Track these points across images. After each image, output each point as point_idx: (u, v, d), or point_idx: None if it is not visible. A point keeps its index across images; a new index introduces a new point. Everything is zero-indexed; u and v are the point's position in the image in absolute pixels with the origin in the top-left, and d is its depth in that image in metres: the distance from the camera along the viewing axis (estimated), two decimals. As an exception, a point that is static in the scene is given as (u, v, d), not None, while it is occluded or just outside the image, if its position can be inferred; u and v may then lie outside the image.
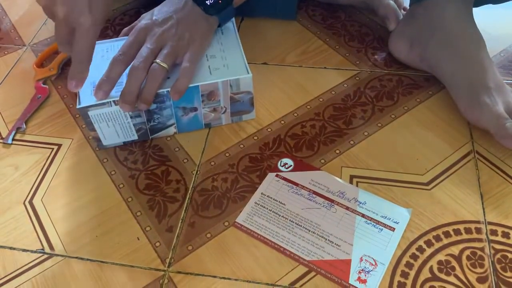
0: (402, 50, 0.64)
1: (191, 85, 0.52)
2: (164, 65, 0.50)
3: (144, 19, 0.54)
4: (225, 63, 0.55)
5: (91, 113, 0.52)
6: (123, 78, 0.51)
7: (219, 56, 0.56)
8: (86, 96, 0.52)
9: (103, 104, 0.52)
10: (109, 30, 0.74)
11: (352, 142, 0.57)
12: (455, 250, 0.47)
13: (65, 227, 0.51)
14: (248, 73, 0.54)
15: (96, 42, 0.50)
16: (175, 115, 0.56)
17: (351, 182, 0.53)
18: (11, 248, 0.50)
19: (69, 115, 0.63)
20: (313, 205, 0.51)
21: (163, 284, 0.46)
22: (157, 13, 0.54)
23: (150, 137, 0.58)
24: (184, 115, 0.56)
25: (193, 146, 0.58)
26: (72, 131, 0.61)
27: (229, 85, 0.54)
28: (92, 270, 0.48)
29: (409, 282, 0.45)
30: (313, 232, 0.49)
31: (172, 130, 0.58)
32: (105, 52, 0.57)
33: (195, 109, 0.56)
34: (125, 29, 0.57)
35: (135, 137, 0.57)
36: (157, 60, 0.50)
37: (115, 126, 0.55)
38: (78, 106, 0.51)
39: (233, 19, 0.60)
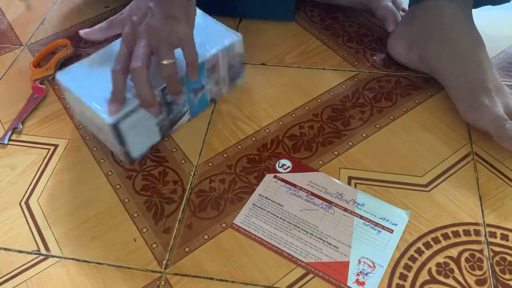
0: (401, 51, 0.64)
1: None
2: (170, 60, 0.49)
3: (127, 26, 0.51)
4: (212, 37, 0.56)
5: (121, 125, 0.51)
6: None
7: (203, 34, 0.55)
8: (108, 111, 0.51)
9: (131, 111, 0.51)
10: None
11: (350, 143, 0.56)
12: (453, 252, 0.47)
13: (61, 228, 0.51)
14: (237, 36, 0.57)
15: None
16: (189, 99, 0.57)
17: (349, 184, 0.53)
18: (6, 249, 0.50)
19: (66, 115, 0.62)
20: (311, 207, 0.51)
21: (159, 285, 0.46)
22: (134, 8, 0.52)
23: (171, 132, 0.58)
24: (195, 96, 0.57)
25: (191, 146, 0.57)
26: (69, 131, 0.60)
27: (228, 52, 0.56)
28: (89, 272, 0.47)
29: (407, 285, 0.45)
30: (311, 234, 0.48)
31: (186, 118, 0.59)
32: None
33: (203, 87, 0.57)
34: (104, 23, 0.56)
35: (158, 137, 0.57)
36: (162, 61, 0.49)
37: (143, 132, 0.54)
38: (109, 122, 0.50)
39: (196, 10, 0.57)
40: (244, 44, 0.58)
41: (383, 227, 0.49)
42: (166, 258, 0.48)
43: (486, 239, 0.47)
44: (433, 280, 0.45)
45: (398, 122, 0.58)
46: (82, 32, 0.56)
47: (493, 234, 0.48)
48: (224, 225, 0.50)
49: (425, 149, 0.55)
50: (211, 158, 0.56)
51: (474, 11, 0.59)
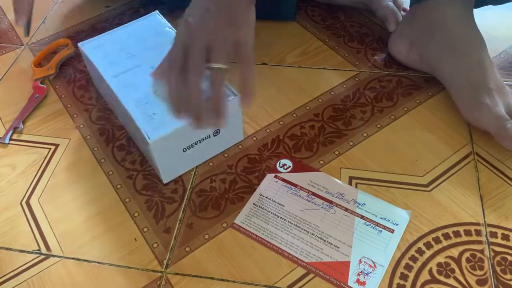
0: (402, 51, 0.63)
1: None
2: (220, 66, 0.45)
3: (180, 25, 0.48)
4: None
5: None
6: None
7: None
8: (156, 127, 0.49)
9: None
10: (108, 30, 0.74)
11: (351, 143, 0.56)
12: (454, 252, 0.47)
13: (62, 228, 0.51)
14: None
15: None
16: None
17: (350, 184, 0.53)
18: (7, 248, 0.50)
19: (67, 115, 0.62)
20: (312, 207, 0.51)
21: (160, 285, 0.46)
22: (192, 10, 0.48)
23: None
24: None
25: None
26: (69, 131, 0.60)
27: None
28: (89, 272, 0.47)
29: (408, 284, 0.45)
30: (312, 234, 0.48)
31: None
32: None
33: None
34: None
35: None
36: (213, 66, 0.45)
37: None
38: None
39: None
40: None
41: (384, 227, 0.49)
42: (167, 258, 0.48)
43: (487, 239, 0.47)
44: (434, 280, 0.45)
45: (399, 122, 0.58)
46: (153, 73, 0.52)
47: (494, 234, 0.48)
48: (224, 224, 0.50)
49: (426, 149, 0.55)
50: (212, 158, 0.56)
51: (475, 11, 0.59)
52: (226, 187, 0.53)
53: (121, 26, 0.60)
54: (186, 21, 0.47)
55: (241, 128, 0.56)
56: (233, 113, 0.51)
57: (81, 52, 0.59)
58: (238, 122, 0.55)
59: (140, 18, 0.61)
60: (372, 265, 0.46)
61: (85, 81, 0.66)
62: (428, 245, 0.47)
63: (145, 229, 0.50)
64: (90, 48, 0.58)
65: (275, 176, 0.53)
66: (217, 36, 0.45)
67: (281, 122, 0.59)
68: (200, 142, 0.52)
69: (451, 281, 0.45)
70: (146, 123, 0.49)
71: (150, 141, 0.48)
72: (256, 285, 0.45)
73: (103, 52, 0.57)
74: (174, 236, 0.49)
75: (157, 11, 0.61)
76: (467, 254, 0.46)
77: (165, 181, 0.53)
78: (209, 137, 0.53)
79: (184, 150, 0.51)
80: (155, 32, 0.59)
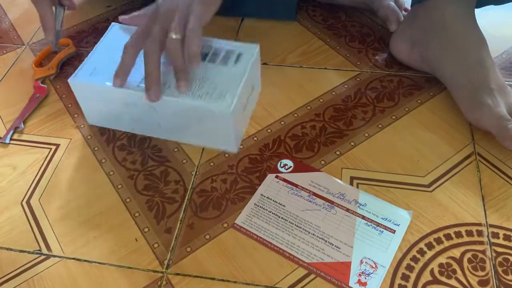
0: (403, 50, 0.63)
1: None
2: (177, 36, 0.49)
3: (152, 8, 0.52)
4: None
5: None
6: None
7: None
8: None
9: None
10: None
11: (352, 143, 0.56)
12: (456, 252, 0.47)
13: (62, 228, 0.51)
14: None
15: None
16: None
17: (351, 184, 0.52)
18: (8, 248, 0.50)
19: (68, 115, 0.62)
20: (313, 207, 0.50)
21: (161, 286, 0.46)
22: None
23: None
24: None
25: (192, 146, 0.57)
26: (70, 131, 0.60)
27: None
28: (90, 272, 0.47)
29: (409, 285, 0.45)
30: (313, 234, 0.48)
31: None
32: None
33: None
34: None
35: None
36: (169, 34, 0.49)
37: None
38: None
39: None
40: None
41: (385, 228, 0.48)
42: (168, 258, 0.48)
43: (489, 240, 0.47)
44: (435, 281, 0.45)
45: (400, 122, 0.58)
46: (121, 18, 0.58)
47: (495, 235, 0.48)
48: (225, 225, 0.50)
49: (427, 149, 0.55)
50: (213, 158, 0.56)
51: (476, 11, 0.59)
52: (227, 187, 0.53)
53: (97, 44, 0.58)
54: (157, 3, 0.52)
55: (233, 141, 0.55)
56: (223, 124, 0.53)
57: (74, 86, 0.55)
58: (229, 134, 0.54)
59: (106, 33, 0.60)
60: (373, 266, 0.46)
61: (86, 81, 0.66)
62: (430, 246, 0.47)
63: (146, 229, 0.50)
64: (84, 76, 0.54)
65: (276, 176, 0.53)
66: (180, 11, 0.50)
67: (282, 122, 0.59)
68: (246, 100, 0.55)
69: (452, 282, 0.45)
70: (208, 102, 0.50)
71: (231, 109, 0.49)
72: (257, 285, 0.45)
73: (102, 74, 0.54)
74: (175, 236, 0.49)
75: (114, 23, 0.60)
76: (468, 255, 0.46)
77: (237, 151, 0.56)
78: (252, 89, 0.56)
79: (243, 109, 0.55)
80: (126, 32, 0.58)
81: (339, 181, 0.53)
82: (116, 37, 0.58)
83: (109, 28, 0.60)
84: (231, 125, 0.52)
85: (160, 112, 0.53)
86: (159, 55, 0.50)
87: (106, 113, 0.57)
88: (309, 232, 0.48)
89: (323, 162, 0.55)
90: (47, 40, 0.61)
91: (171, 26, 0.50)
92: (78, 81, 0.54)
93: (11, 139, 0.60)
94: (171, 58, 0.50)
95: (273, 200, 0.51)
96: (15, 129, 0.61)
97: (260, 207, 0.51)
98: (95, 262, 0.48)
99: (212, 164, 0.55)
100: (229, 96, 0.50)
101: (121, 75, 0.51)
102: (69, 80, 0.54)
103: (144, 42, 0.50)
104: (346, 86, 0.63)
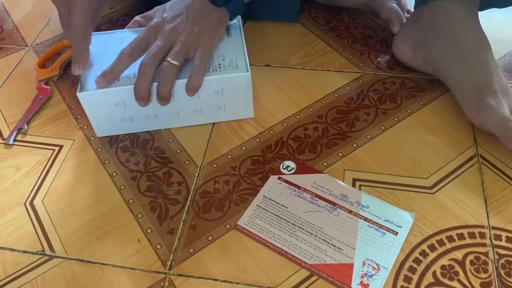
0: (406, 52, 0.63)
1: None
2: (175, 62, 0.51)
3: (156, 17, 0.55)
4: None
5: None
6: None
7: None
8: None
9: None
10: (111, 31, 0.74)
11: (355, 145, 0.56)
12: (458, 254, 0.47)
13: (66, 229, 0.51)
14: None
15: (105, 32, 0.54)
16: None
17: (354, 186, 0.53)
18: (11, 249, 0.50)
19: (71, 116, 0.62)
20: (315, 208, 0.50)
21: (164, 286, 0.46)
22: (168, 9, 0.55)
23: None
24: None
25: (195, 148, 0.57)
26: (73, 132, 0.60)
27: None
28: (93, 273, 0.47)
29: (412, 287, 0.45)
30: (316, 236, 0.48)
31: None
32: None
33: None
34: (137, 16, 0.59)
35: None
36: (168, 58, 0.51)
37: None
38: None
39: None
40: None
41: (388, 229, 0.48)
42: (170, 259, 0.48)
43: (491, 242, 0.47)
44: (437, 283, 0.45)
45: (403, 124, 0.58)
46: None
47: (498, 237, 0.48)
48: (228, 226, 0.50)
49: (430, 151, 0.55)
50: (216, 159, 0.56)
51: (479, 13, 0.59)
52: (229, 189, 0.53)
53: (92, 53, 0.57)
54: (163, 15, 0.54)
55: (250, 105, 0.59)
56: (243, 89, 0.56)
57: (84, 99, 0.54)
58: (248, 98, 0.58)
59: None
60: (376, 268, 0.46)
61: (89, 82, 0.66)
62: (432, 248, 0.47)
63: (149, 230, 0.50)
64: (92, 85, 0.53)
65: (279, 178, 0.53)
66: (185, 38, 0.53)
67: (284, 124, 0.59)
68: None
69: (455, 284, 0.45)
70: (225, 72, 0.54)
71: (247, 73, 0.54)
72: (260, 286, 0.45)
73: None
74: (177, 238, 0.49)
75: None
76: (471, 257, 0.46)
77: (252, 115, 0.59)
78: None
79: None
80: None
81: (342, 182, 0.53)
82: (108, 45, 0.58)
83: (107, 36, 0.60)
84: (250, 88, 0.56)
85: (177, 99, 0.55)
86: (153, 74, 0.52)
87: (119, 118, 0.57)
88: (312, 234, 0.49)
89: (325, 164, 0.55)
90: (75, 73, 0.54)
91: (172, 51, 0.52)
92: (88, 92, 0.53)
93: (14, 140, 0.60)
94: (160, 81, 0.52)
95: (276, 202, 0.51)
96: (19, 130, 0.61)
97: (263, 208, 0.51)
98: (98, 263, 0.48)
99: (214, 165, 0.55)
100: (241, 62, 0.55)
101: (109, 79, 0.52)
102: (78, 94, 0.53)
103: (140, 54, 0.52)
104: (348, 88, 0.63)
